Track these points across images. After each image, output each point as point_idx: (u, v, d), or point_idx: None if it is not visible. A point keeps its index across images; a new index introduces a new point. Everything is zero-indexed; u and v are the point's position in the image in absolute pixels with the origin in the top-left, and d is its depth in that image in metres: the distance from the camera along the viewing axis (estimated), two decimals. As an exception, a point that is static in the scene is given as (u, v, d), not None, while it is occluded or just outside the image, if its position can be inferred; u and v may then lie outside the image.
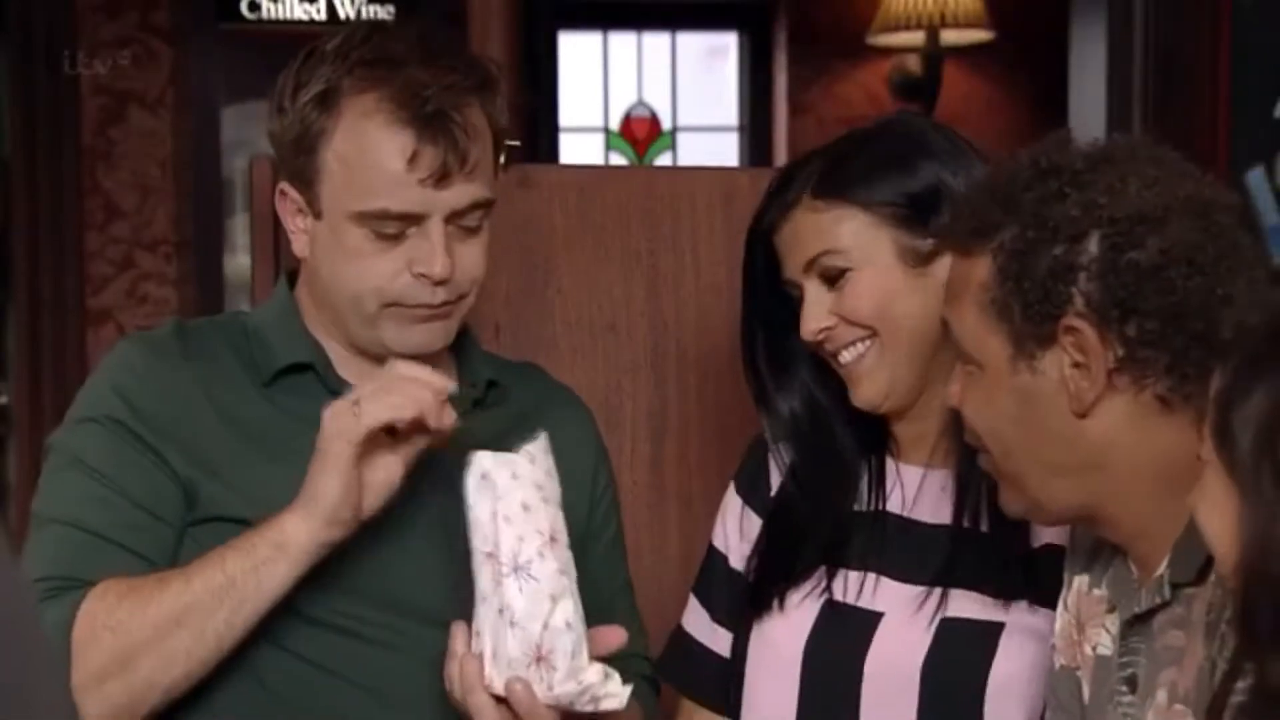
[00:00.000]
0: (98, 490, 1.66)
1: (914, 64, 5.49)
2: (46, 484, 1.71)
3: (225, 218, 5.21)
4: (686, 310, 2.16)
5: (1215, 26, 3.75)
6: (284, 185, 1.72)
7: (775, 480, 1.84)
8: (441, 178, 1.65)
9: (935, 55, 5.38)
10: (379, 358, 1.72)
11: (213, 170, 5.15)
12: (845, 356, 1.74)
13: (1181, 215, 1.36)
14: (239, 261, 5.12)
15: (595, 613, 1.63)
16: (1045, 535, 1.69)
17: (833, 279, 1.72)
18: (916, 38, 5.37)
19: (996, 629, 1.66)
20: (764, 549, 1.80)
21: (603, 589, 1.78)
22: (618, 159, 5.90)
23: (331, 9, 5.28)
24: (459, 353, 1.81)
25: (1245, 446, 1.16)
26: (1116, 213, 1.36)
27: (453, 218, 1.67)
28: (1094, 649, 1.49)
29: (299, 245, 1.73)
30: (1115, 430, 1.38)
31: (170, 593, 1.58)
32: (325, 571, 1.63)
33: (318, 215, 1.69)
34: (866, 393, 1.74)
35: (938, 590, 1.69)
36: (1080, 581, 1.54)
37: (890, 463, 1.79)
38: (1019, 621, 1.66)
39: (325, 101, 1.66)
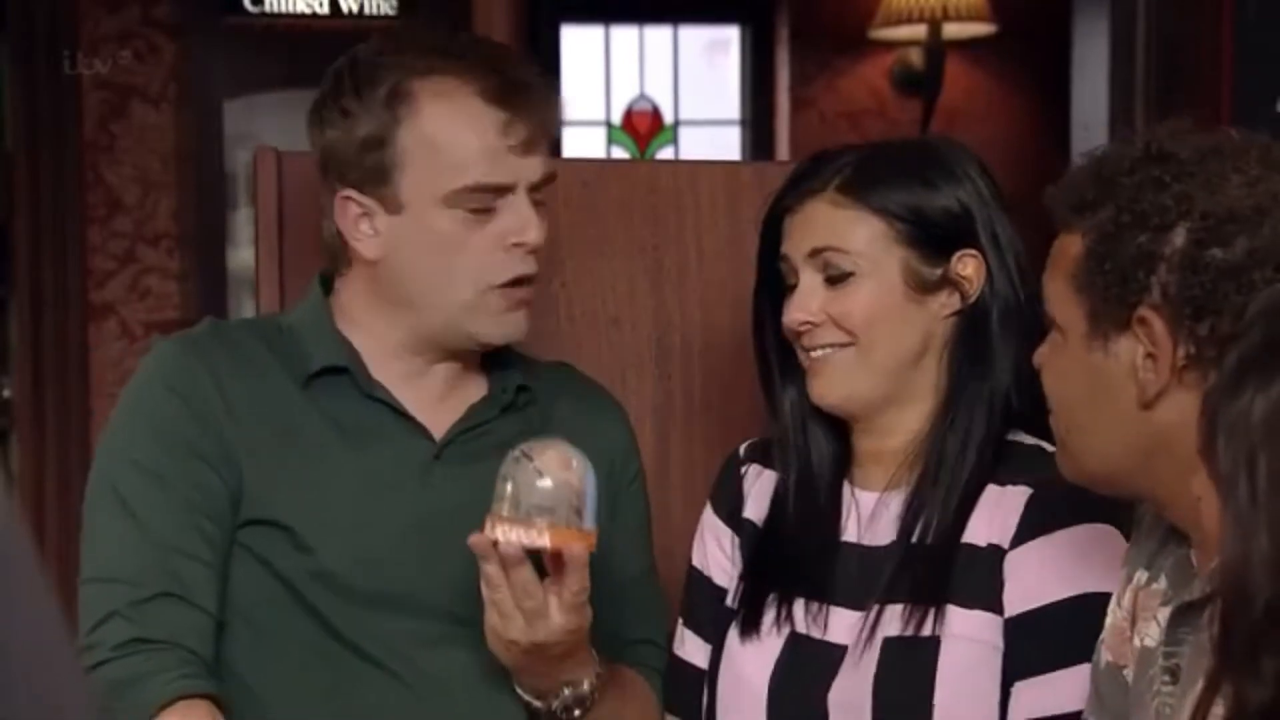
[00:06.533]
0: (157, 500, 1.67)
1: (916, 58, 5.49)
2: (102, 485, 1.70)
3: (228, 211, 5.21)
4: (690, 304, 2.16)
5: (1217, 22, 3.75)
6: (347, 193, 1.69)
7: (749, 495, 1.84)
8: (529, 146, 1.68)
9: (937, 49, 5.38)
10: (428, 356, 1.74)
11: (215, 164, 5.15)
12: (816, 352, 1.74)
13: (1278, 217, 1.33)
14: (242, 255, 5.11)
15: (612, 600, 1.63)
16: (979, 536, 1.69)
17: (834, 279, 1.72)
18: (918, 32, 5.37)
19: (934, 641, 1.65)
20: (749, 575, 1.80)
21: (622, 576, 1.78)
22: (619, 153, 5.89)
23: (334, 2, 5.27)
24: (490, 360, 1.81)
25: (1226, 457, 1.13)
26: (1209, 207, 1.34)
27: (531, 190, 1.70)
28: (1142, 640, 1.47)
29: (369, 249, 1.70)
30: (1180, 422, 1.34)
31: None
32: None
33: (396, 211, 1.68)
34: (824, 391, 1.74)
35: (875, 609, 1.68)
36: (1140, 576, 1.51)
37: (847, 489, 1.78)
38: (955, 629, 1.65)
39: (397, 94, 1.66)
